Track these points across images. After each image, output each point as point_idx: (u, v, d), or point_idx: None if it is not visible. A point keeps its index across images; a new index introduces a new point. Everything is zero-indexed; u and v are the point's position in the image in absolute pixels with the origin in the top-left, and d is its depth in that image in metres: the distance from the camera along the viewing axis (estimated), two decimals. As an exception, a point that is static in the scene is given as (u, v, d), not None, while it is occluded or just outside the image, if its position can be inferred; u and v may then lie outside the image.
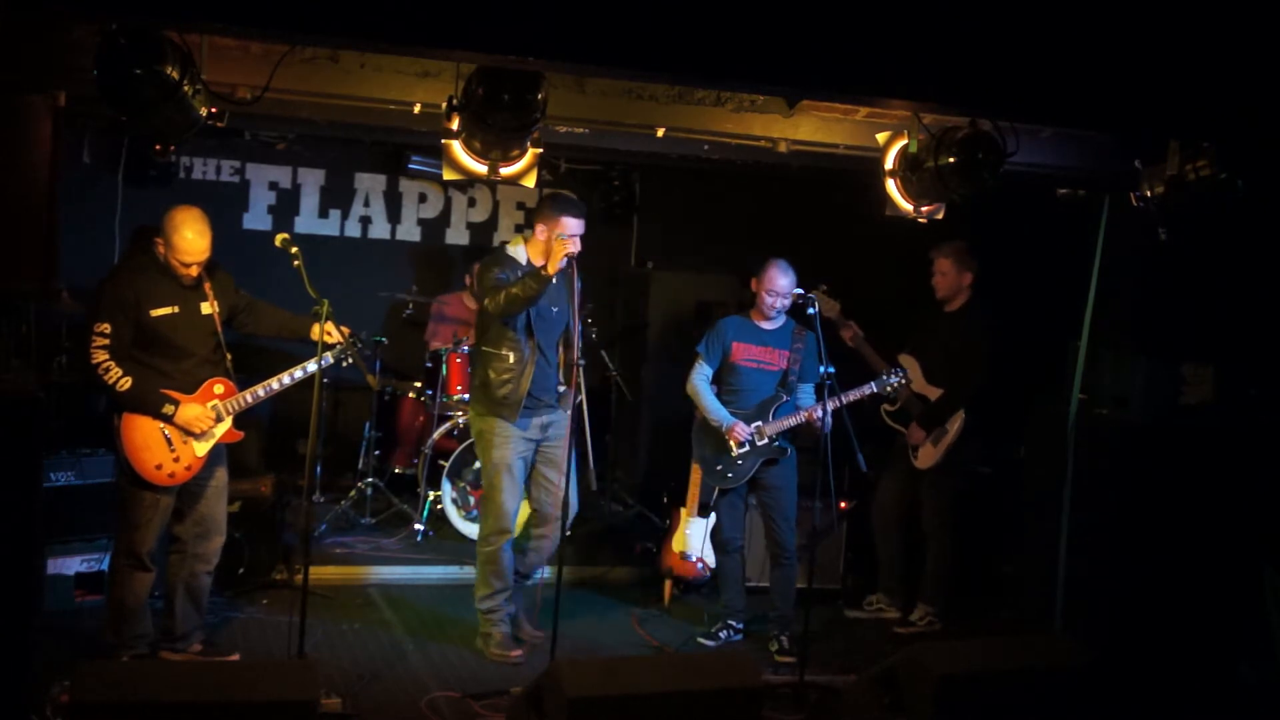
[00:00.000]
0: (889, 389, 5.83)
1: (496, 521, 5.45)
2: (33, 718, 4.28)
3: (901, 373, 5.84)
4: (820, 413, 5.51)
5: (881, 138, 5.03)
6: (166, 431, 4.86)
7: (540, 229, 5.32)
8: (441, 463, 7.01)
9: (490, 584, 5.49)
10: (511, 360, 5.34)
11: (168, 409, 4.83)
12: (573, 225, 5.26)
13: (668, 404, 7.69)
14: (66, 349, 6.49)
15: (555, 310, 5.44)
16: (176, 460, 4.89)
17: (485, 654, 5.47)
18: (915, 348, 6.45)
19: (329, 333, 4.99)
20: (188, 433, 4.90)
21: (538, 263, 5.28)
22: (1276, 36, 4.34)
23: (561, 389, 5.52)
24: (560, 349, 5.54)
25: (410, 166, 7.88)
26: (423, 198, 8.50)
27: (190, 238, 4.81)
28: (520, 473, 5.46)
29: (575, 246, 5.12)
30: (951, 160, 4.60)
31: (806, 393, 5.79)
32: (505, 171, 4.58)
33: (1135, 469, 5.66)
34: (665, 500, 6.60)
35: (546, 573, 5.92)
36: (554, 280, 5.16)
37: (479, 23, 3.67)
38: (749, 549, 6.14)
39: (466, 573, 6.56)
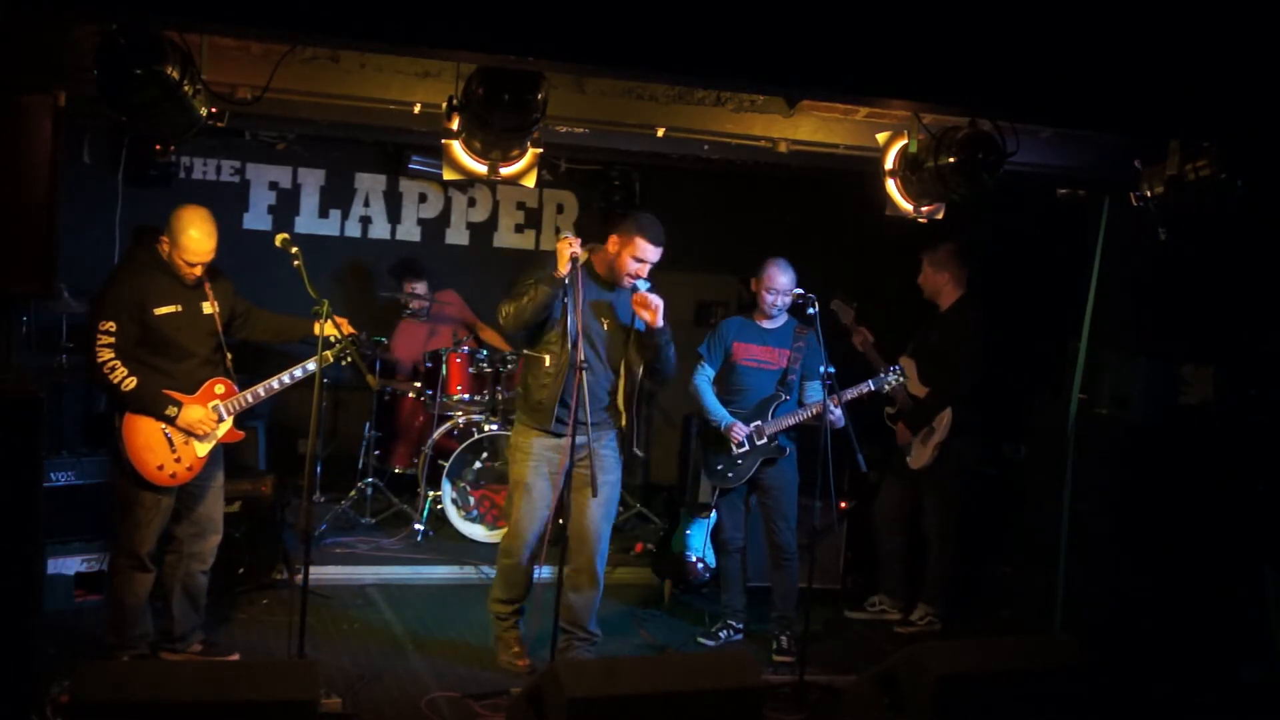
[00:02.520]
0: (886, 387, 5.83)
1: (510, 539, 5.34)
2: (33, 718, 4.28)
3: (898, 370, 5.85)
4: (832, 408, 5.51)
5: (881, 138, 5.02)
6: (168, 432, 4.86)
7: (613, 240, 5.15)
8: (441, 463, 7.01)
9: (503, 590, 5.42)
10: (547, 363, 5.12)
11: (170, 411, 4.83)
12: (647, 249, 5.06)
13: (668, 404, 7.71)
14: (67, 349, 6.50)
15: (604, 326, 5.15)
16: (178, 461, 4.89)
17: (496, 657, 5.43)
18: (914, 349, 6.47)
19: (333, 328, 4.97)
20: (190, 433, 4.90)
21: (600, 272, 5.17)
22: (1276, 36, 4.34)
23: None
24: (621, 371, 5.19)
25: (410, 166, 7.88)
26: (423, 198, 8.49)
27: (197, 237, 4.81)
28: (542, 493, 5.19)
29: (577, 249, 4.95)
30: (951, 160, 4.60)
31: (814, 389, 5.77)
32: (505, 171, 4.58)
33: (1135, 469, 5.66)
34: (665, 500, 6.60)
35: (546, 573, 5.90)
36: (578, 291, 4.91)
37: (479, 23, 3.67)
38: (750, 549, 6.14)
39: (466, 572, 6.59)
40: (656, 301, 5.02)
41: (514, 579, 5.38)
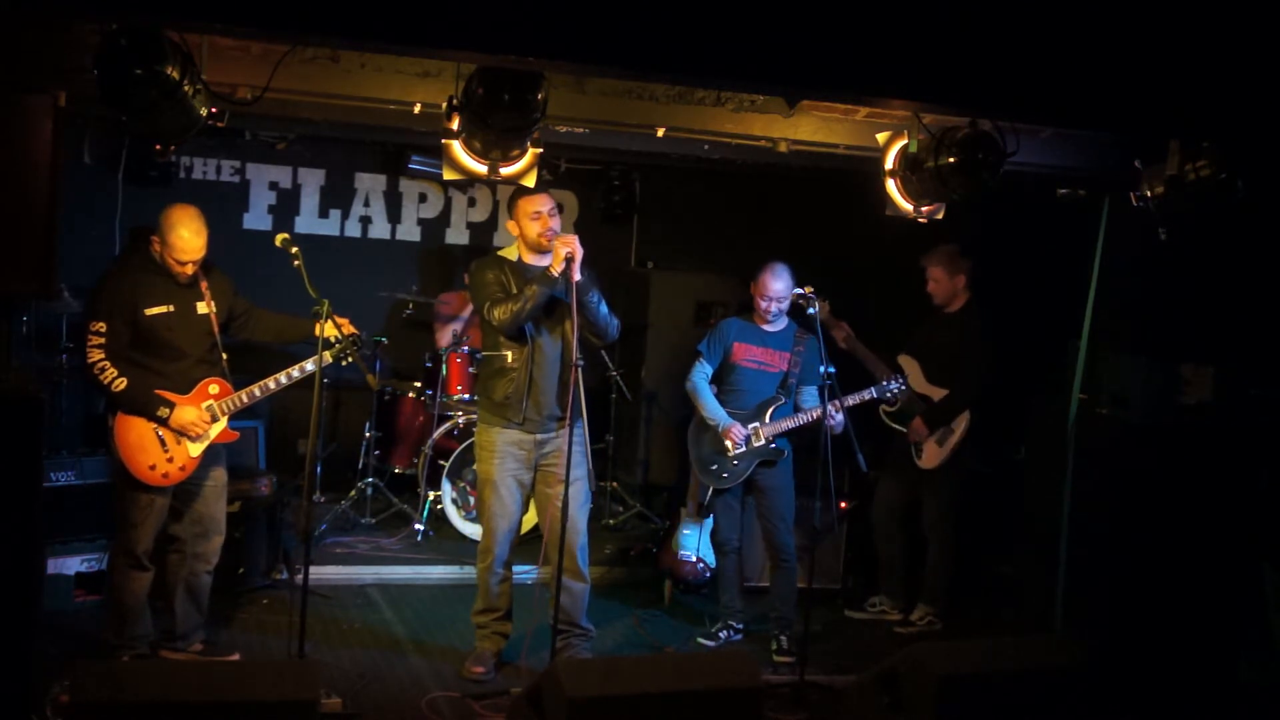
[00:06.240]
0: (889, 395, 5.82)
1: (484, 539, 5.34)
2: (33, 718, 4.28)
3: (902, 379, 5.85)
4: (833, 413, 5.50)
5: (881, 138, 5.02)
6: (160, 432, 4.86)
7: (510, 225, 5.27)
8: (441, 463, 7.02)
9: (481, 600, 5.40)
10: (510, 359, 5.17)
11: (163, 411, 4.83)
12: (535, 201, 5.11)
13: (668, 404, 7.71)
14: (66, 349, 6.51)
15: (553, 315, 5.20)
16: (170, 460, 4.88)
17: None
18: (916, 348, 6.45)
19: (333, 328, 4.96)
20: (183, 434, 4.90)
21: (530, 260, 5.18)
22: (1277, 36, 4.34)
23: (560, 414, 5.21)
24: (560, 370, 5.23)
25: (410, 166, 7.88)
26: (423, 198, 8.50)
27: (186, 236, 4.81)
28: (512, 492, 5.23)
29: (577, 249, 4.99)
30: (951, 160, 4.60)
31: (810, 395, 5.77)
32: (505, 171, 4.58)
33: (1135, 469, 5.66)
34: (665, 500, 6.60)
35: (530, 574, 5.89)
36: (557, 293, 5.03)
37: (479, 23, 3.67)
38: (749, 549, 6.14)
39: (466, 572, 6.57)
40: (574, 239, 5.04)
41: (490, 586, 5.35)
